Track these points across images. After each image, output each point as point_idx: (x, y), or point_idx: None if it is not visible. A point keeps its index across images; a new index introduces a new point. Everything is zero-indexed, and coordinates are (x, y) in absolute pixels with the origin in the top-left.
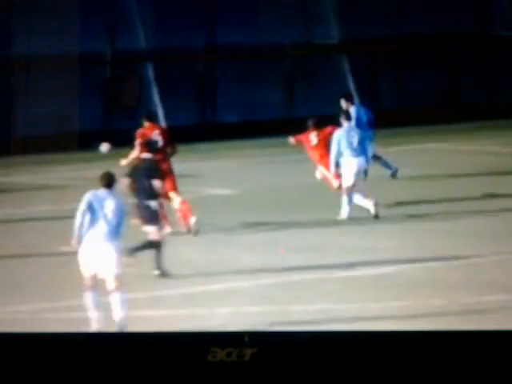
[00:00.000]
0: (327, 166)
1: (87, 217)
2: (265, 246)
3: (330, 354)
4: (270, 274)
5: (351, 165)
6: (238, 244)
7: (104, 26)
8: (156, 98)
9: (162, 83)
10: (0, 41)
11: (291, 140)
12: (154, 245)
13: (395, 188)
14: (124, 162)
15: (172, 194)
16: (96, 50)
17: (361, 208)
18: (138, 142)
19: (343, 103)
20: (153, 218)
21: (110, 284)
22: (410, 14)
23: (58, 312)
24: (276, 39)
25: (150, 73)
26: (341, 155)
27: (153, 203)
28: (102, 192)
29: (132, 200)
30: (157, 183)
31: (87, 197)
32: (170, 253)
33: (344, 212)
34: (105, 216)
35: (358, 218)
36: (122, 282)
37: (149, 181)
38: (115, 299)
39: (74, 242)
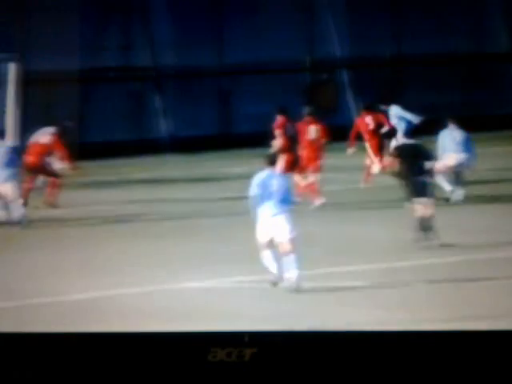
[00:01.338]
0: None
1: (259, 192)
2: None
3: (330, 353)
4: None
5: (453, 158)
6: None
7: (304, 37)
8: (351, 101)
9: (356, 88)
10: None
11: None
12: (426, 218)
13: None
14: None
15: None
16: (297, 57)
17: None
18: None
19: None
20: (422, 191)
21: (286, 247)
22: None
23: None
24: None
25: (345, 78)
26: (444, 151)
27: (421, 179)
28: (268, 171)
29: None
30: (426, 163)
31: (258, 176)
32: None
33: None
34: (273, 190)
35: None
36: (295, 245)
37: (416, 160)
38: (290, 260)
39: (252, 212)
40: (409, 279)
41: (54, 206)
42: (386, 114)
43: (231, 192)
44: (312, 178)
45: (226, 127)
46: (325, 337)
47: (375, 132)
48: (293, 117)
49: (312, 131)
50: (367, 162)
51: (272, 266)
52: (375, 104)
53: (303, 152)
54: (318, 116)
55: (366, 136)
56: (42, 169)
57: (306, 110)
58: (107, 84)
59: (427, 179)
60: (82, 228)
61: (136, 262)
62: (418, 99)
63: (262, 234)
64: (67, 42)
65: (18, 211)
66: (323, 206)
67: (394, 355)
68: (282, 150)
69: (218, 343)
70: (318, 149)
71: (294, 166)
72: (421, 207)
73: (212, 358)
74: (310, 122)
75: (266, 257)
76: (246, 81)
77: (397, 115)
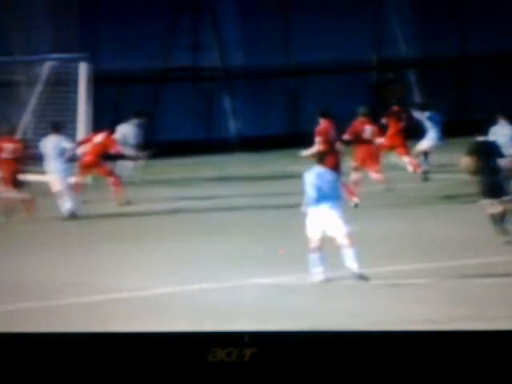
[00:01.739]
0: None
1: (312, 188)
2: None
3: (330, 353)
4: None
5: None
6: None
7: (370, 36)
8: (418, 100)
9: (423, 87)
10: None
11: None
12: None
13: None
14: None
15: None
16: (363, 57)
17: None
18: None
19: None
20: (497, 189)
21: (343, 241)
22: None
23: None
24: None
25: (412, 77)
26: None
27: (496, 176)
28: (318, 168)
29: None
30: (500, 161)
31: (309, 174)
32: None
33: None
34: (324, 186)
35: None
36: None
37: (491, 158)
38: (349, 253)
39: (303, 208)
40: (477, 276)
41: (125, 203)
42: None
43: (297, 190)
44: (356, 176)
45: (294, 127)
46: (325, 337)
47: (401, 134)
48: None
49: (367, 131)
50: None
51: (318, 264)
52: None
53: (358, 152)
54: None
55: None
56: (98, 167)
57: (361, 110)
58: (177, 84)
59: (502, 177)
60: (152, 224)
61: (206, 258)
62: (484, 98)
63: (314, 230)
64: (137, 42)
65: (69, 204)
66: (393, 204)
67: (395, 355)
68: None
69: (218, 343)
70: (373, 149)
71: (335, 169)
72: (494, 205)
73: (212, 358)
74: (366, 122)
75: (314, 254)
76: (313, 80)
77: (431, 119)
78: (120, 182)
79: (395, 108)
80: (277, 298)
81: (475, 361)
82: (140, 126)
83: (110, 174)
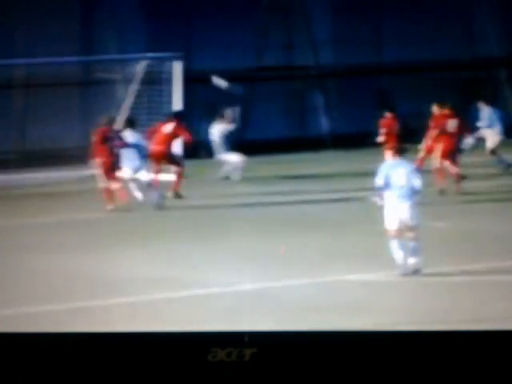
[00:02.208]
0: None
1: (386, 181)
2: None
3: (331, 353)
4: None
5: None
6: None
7: (462, 34)
8: (510, 99)
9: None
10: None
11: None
12: None
13: None
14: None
15: None
16: (454, 55)
17: None
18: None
19: None
20: None
21: (409, 234)
22: None
23: None
24: None
25: (503, 76)
26: None
27: None
28: (393, 161)
29: None
30: None
31: (384, 165)
32: None
33: None
34: (398, 179)
35: None
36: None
37: None
38: (411, 246)
39: (376, 199)
40: None
41: (179, 196)
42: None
43: None
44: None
45: None
46: (325, 337)
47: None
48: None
49: (451, 124)
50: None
51: (399, 256)
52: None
53: (441, 144)
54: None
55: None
56: (167, 157)
57: (443, 105)
58: (270, 83)
59: None
60: (242, 220)
61: (298, 254)
62: None
63: (391, 221)
64: (230, 42)
65: (153, 194)
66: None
67: (395, 355)
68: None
69: (218, 343)
70: (455, 142)
71: None
72: None
73: (212, 358)
74: (450, 116)
75: (394, 246)
76: (403, 78)
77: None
78: (182, 175)
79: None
80: (368, 294)
81: (478, 361)
82: (231, 125)
83: (179, 164)
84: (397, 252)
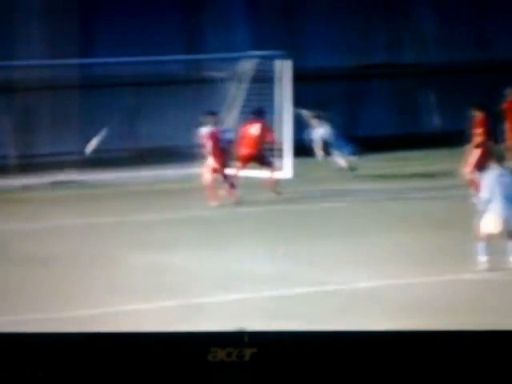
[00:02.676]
0: None
1: (488, 189)
2: None
3: (331, 354)
4: None
5: None
6: None
7: None
8: None
9: None
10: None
11: None
12: None
13: None
14: None
15: None
16: None
17: None
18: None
19: None
20: None
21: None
22: None
23: None
24: None
25: None
26: None
27: None
28: (497, 168)
29: None
30: None
31: (488, 176)
32: None
33: None
34: (501, 188)
35: None
36: None
37: None
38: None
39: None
40: None
41: (279, 193)
42: None
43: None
44: None
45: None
46: (325, 337)
47: None
48: None
49: None
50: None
51: (483, 253)
52: None
53: None
54: None
55: None
56: (258, 158)
57: None
58: (376, 80)
59: None
60: (354, 218)
61: (412, 253)
62: None
63: (490, 226)
64: (336, 40)
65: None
66: None
67: (395, 355)
68: (479, 146)
69: (218, 343)
70: None
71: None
72: None
73: (212, 358)
74: None
75: (481, 248)
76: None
77: None
78: (275, 174)
79: None
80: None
81: (475, 361)
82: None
83: (269, 164)
84: (483, 254)
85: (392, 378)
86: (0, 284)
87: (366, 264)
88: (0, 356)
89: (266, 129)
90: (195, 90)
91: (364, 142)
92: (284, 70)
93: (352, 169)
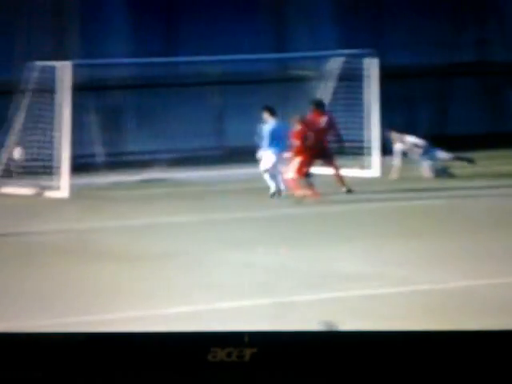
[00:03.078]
0: None
1: None
2: None
3: (331, 354)
4: None
5: None
6: None
7: None
8: None
9: None
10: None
11: None
12: None
13: None
14: None
15: None
16: None
17: None
18: None
19: None
20: None
21: None
22: None
23: None
24: None
25: None
26: None
27: None
28: None
29: None
30: None
31: None
32: None
33: None
34: None
35: None
36: None
37: None
38: None
39: None
40: None
41: (350, 191)
42: None
43: None
44: None
45: None
46: (325, 337)
47: None
48: None
49: None
50: None
51: None
52: None
53: None
54: None
55: None
56: (321, 153)
57: None
58: (465, 78)
59: None
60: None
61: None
62: None
63: None
64: (423, 38)
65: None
66: None
67: (395, 355)
68: None
69: (218, 343)
70: None
71: None
72: None
73: (212, 358)
74: None
75: None
76: None
77: None
78: (338, 168)
79: None
80: None
81: (475, 362)
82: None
83: (330, 158)
84: None
85: (392, 378)
86: (93, 282)
87: (458, 262)
88: (0, 356)
89: (332, 122)
90: (283, 89)
91: (452, 141)
92: (372, 68)
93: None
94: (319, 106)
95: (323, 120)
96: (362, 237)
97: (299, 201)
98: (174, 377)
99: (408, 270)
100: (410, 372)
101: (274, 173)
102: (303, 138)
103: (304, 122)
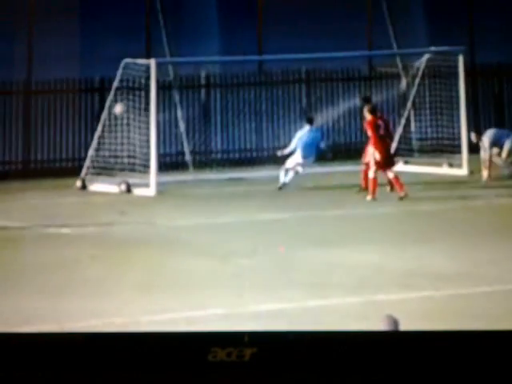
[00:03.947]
0: None
1: None
2: None
3: (331, 354)
4: None
5: None
6: None
7: None
8: None
9: None
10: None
11: None
12: None
13: None
14: None
15: None
16: None
17: None
18: None
19: None
20: None
21: None
22: None
23: None
24: None
25: None
26: None
27: None
28: None
29: None
30: None
31: None
32: None
33: None
34: None
35: None
36: None
37: None
38: None
39: None
40: None
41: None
42: None
43: None
44: None
45: None
46: (325, 337)
47: None
48: None
49: None
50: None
51: None
52: None
53: None
54: None
55: None
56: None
57: None
58: None
59: None
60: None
61: None
62: None
63: None
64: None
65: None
66: None
67: (396, 355)
68: None
69: (218, 343)
70: None
71: None
72: None
73: (212, 358)
74: None
75: None
76: None
77: None
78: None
79: None
80: None
81: (475, 362)
82: None
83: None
84: None
85: (392, 378)
86: (184, 279)
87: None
88: (0, 356)
89: (387, 122)
90: (372, 86)
91: None
92: (461, 65)
93: None
94: (368, 102)
95: (381, 121)
96: (454, 235)
97: (404, 197)
98: (174, 377)
99: (502, 269)
100: (410, 371)
101: (289, 169)
102: (375, 127)
103: (374, 111)
